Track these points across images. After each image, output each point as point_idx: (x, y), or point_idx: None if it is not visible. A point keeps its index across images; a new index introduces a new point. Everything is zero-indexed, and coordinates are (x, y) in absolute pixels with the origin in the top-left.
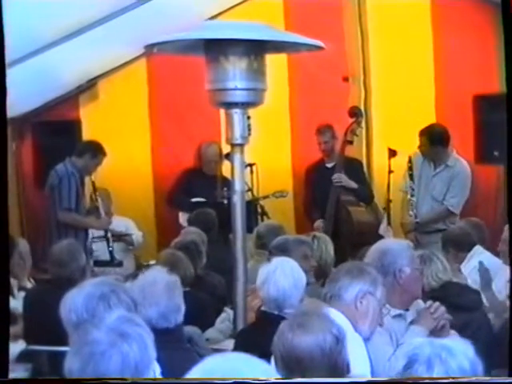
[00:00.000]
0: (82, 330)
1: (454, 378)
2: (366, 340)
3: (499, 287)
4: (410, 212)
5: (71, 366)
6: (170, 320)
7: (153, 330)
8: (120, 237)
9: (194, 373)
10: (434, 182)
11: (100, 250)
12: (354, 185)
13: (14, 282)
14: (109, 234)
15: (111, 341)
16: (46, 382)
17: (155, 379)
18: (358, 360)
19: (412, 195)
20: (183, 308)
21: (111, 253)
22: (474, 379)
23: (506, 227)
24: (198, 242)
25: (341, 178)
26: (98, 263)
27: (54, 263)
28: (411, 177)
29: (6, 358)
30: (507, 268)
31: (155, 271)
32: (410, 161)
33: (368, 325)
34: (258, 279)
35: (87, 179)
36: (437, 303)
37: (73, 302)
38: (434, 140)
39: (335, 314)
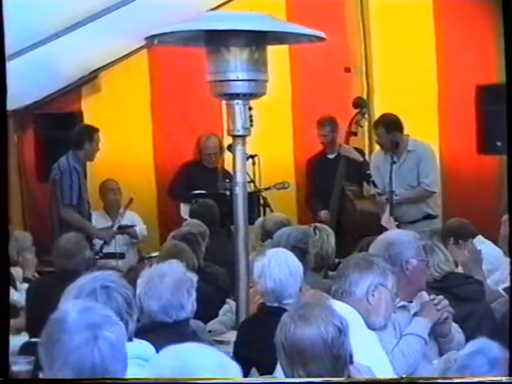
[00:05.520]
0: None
1: (451, 377)
2: (381, 330)
3: (498, 277)
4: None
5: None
6: (171, 315)
7: (153, 322)
8: (124, 229)
9: (148, 369)
10: (401, 171)
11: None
12: (359, 156)
13: (17, 274)
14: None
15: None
16: (46, 381)
17: (155, 379)
18: (377, 357)
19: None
20: (189, 307)
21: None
22: (474, 380)
23: (503, 221)
24: (196, 233)
25: (348, 150)
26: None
27: (60, 255)
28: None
29: (5, 357)
30: (507, 260)
31: (169, 265)
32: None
33: (382, 316)
34: (255, 273)
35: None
36: (440, 296)
37: (64, 298)
38: (389, 126)
39: (344, 308)
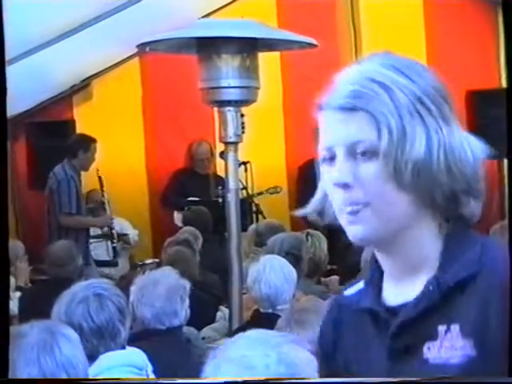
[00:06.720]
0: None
1: (451, 377)
2: None
3: None
4: None
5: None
6: (164, 322)
7: (146, 330)
8: (117, 236)
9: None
10: None
11: (96, 249)
12: None
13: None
14: (114, 231)
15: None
16: (45, 381)
17: (154, 379)
18: None
19: None
20: (183, 314)
21: (114, 249)
22: (473, 379)
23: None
24: (192, 241)
25: None
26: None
27: (52, 263)
28: None
29: (5, 357)
30: None
31: (161, 272)
32: None
33: None
34: (249, 279)
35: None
36: None
37: (57, 305)
38: None
39: None
